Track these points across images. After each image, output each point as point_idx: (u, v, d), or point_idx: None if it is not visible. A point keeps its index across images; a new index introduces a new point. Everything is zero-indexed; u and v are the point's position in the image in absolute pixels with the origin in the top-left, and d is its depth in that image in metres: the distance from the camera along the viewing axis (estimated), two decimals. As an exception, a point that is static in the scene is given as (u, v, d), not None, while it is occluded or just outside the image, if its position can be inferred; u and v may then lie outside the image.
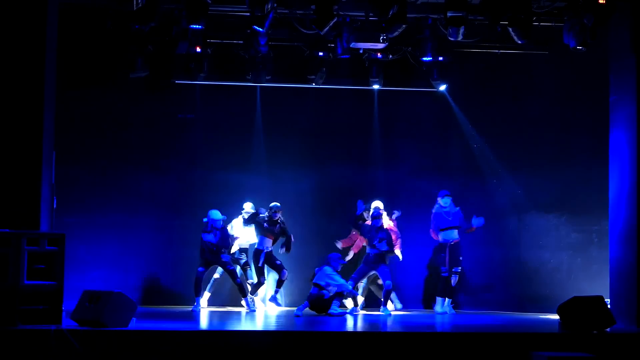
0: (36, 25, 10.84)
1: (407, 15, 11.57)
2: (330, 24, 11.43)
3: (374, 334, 10.35)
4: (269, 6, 11.36)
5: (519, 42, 11.80)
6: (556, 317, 10.91)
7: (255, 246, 13.49)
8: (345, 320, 12.03)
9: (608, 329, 10.70)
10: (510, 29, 11.62)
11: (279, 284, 13.60)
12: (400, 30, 11.54)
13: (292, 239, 13.48)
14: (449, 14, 11.31)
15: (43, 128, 10.88)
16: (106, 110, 13.98)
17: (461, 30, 11.41)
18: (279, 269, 13.48)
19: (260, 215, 13.40)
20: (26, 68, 10.83)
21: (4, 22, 10.78)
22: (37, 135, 10.80)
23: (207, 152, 14.25)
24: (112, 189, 13.83)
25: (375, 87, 14.33)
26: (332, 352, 9.70)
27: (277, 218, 13.36)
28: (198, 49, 13.33)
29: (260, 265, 13.37)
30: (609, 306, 11.07)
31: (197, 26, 11.44)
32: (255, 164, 14.35)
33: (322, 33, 11.70)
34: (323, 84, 14.11)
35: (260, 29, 11.67)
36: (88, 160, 13.80)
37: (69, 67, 13.18)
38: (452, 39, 11.60)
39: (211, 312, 12.99)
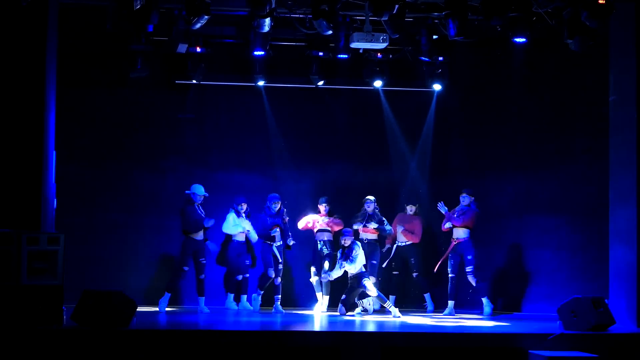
0: (37, 26, 10.86)
1: (407, 15, 11.56)
2: (328, 28, 11.40)
3: (374, 334, 10.36)
4: (270, 6, 11.36)
5: (518, 41, 11.79)
6: (556, 317, 10.92)
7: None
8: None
9: (608, 329, 10.71)
10: (509, 28, 11.63)
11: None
12: (400, 31, 11.53)
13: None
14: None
15: (44, 128, 10.90)
16: (106, 110, 13.97)
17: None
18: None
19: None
20: (27, 68, 10.86)
21: (5, 23, 10.80)
22: (38, 136, 10.81)
23: (207, 152, 14.25)
24: (112, 189, 13.82)
25: (375, 86, 14.34)
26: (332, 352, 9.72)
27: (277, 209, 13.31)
28: (198, 49, 13.37)
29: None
30: (609, 306, 11.08)
31: (193, 26, 11.42)
32: (255, 164, 14.35)
33: (323, 33, 11.68)
34: (325, 84, 14.11)
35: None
36: (88, 160, 13.80)
37: (69, 67, 13.17)
38: (451, 34, 11.58)
39: (211, 313, 12.98)
